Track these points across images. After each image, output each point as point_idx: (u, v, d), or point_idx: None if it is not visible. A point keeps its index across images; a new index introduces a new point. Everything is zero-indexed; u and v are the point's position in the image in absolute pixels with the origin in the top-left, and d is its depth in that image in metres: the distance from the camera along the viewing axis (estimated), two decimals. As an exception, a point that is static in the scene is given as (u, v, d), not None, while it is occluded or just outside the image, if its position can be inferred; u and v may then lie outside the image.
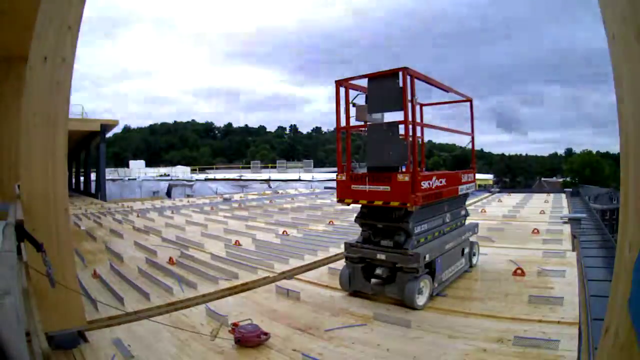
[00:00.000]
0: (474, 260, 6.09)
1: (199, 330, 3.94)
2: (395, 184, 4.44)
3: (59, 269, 3.22)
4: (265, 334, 3.68)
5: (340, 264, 5.59)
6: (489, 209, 13.01)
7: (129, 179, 32.93)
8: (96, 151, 23.45)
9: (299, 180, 33.20)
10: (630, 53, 1.59)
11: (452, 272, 5.25)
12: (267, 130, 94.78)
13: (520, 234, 8.67)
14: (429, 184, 4.69)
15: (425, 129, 5.55)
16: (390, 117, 5.03)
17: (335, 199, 5.32)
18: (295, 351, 3.47)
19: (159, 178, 34.76)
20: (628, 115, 1.68)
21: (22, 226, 2.87)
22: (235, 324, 3.79)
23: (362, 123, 5.04)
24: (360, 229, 5.06)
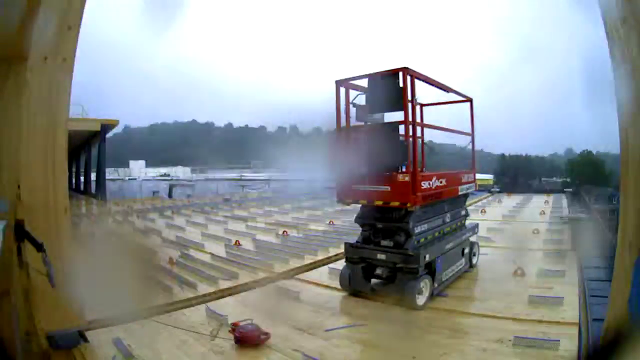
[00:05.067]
0: (474, 260, 6.08)
1: (199, 330, 3.94)
2: (396, 184, 4.44)
3: (59, 269, 3.22)
4: (265, 334, 3.68)
5: (340, 264, 5.59)
6: (489, 209, 13.00)
7: (129, 179, 32.93)
8: (96, 151, 23.40)
9: (299, 180, 33.10)
10: (630, 53, 1.59)
11: (452, 272, 5.24)
12: (267, 130, 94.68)
13: (520, 234, 8.66)
14: (429, 184, 4.69)
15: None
16: (390, 117, 5.03)
17: (335, 199, 5.34)
18: (295, 351, 3.47)
19: (159, 178, 34.75)
20: (628, 115, 1.68)
21: (22, 226, 2.87)
22: (235, 324, 3.79)
23: (362, 123, 5.04)
24: (360, 229, 5.06)
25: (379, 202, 4.56)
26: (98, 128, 20.98)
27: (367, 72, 4.80)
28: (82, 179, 28.74)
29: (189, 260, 6.77)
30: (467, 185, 5.89)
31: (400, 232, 4.58)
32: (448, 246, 5.11)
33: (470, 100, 6.14)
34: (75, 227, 9.54)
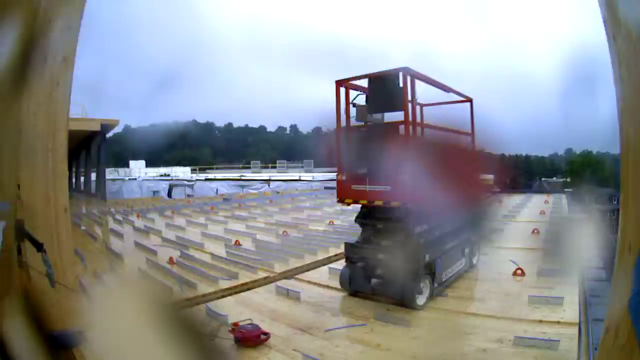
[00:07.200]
0: (474, 260, 6.08)
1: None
2: (395, 184, 4.44)
3: (59, 269, 3.22)
4: (265, 333, 3.68)
5: (340, 264, 5.59)
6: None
7: (129, 179, 32.89)
8: (96, 151, 23.40)
9: (299, 180, 33.14)
10: (630, 53, 1.59)
11: (452, 272, 5.24)
12: (267, 130, 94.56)
13: (520, 234, 8.66)
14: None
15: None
16: (390, 117, 5.03)
17: (335, 199, 5.34)
18: (295, 351, 3.47)
19: (159, 178, 34.73)
20: (628, 115, 1.68)
21: (22, 226, 2.87)
22: (235, 324, 3.79)
23: (362, 123, 5.04)
24: (360, 229, 5.06)
25: (379, 202, 4.56)
26: (98, 128, 20.97)
27: (367, 72, 4.80)
28: (82, 179, 28.74)
29: (189, 260, 6.77)
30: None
31: (400, 232, 4.58)
32: (448, 246, 5.11)
33: (470, 101, 6.14)
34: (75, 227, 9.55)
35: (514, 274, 5.53)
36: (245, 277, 5.84)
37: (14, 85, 3.15)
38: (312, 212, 13.71)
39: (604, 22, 1.82)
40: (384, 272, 4.67)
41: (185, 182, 33.40)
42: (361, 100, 5.06)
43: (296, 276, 5.99)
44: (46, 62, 3.37)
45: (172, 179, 34.26)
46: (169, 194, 30.22)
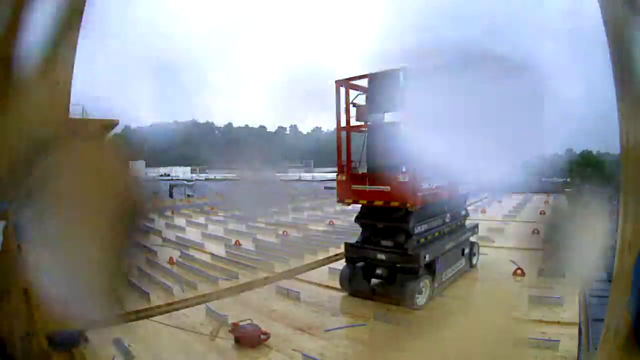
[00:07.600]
0: (474, 260, 6.08)
1: (199, 330, 3.94)
2: (395, 184, 4.44)
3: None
4: (265, 333, 3.68)
5: (340, 264, 5.59)
6: (489, 209, 12.99)
7: (129, 179, 32.81)
8: (96, 151, 23.30)
9: (299, 180, 33.13)
10: (630, 53, 1.59)
11: (452, 272, 5.24)
12: (267, 130, 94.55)
13: (520, 234, 8.66)
14: (429, 184, 4.69)
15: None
16: (390, 117, 5.03)
17: (335, 199, 5.34)
18: (295, 351, 3.47)
19: (159, 178, 34.72)
20: (628, 115, 1.68)
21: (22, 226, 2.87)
22: (235, 324, 3.79)
23: (362, 123, 5.04)
24: (360, 229, 5.06)
25: (379, 202, 4.56)
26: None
27: (367, 72, 4.80)
28: (82, 178, 28.61)
29: (189, 260, 6.77)
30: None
31: (400, 232, 4.58)
32: (448, 246, 5.11)
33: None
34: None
35: (514, 273, 5.53)
36: (245, 277, 5.84)
37: (14, 85, 3.14)
38: (312, 212, 13.70)
39: (604, 22, 1.82)
40: (384, 272, 4.67)
41: (185, 182, 33.39)
42: (361, 100, 5.05)
43: (296, 276, 5.99)
44: (46, 62, 3.37)
45: (172, 179, 34.25)
46: (170, 194, 30.18)
